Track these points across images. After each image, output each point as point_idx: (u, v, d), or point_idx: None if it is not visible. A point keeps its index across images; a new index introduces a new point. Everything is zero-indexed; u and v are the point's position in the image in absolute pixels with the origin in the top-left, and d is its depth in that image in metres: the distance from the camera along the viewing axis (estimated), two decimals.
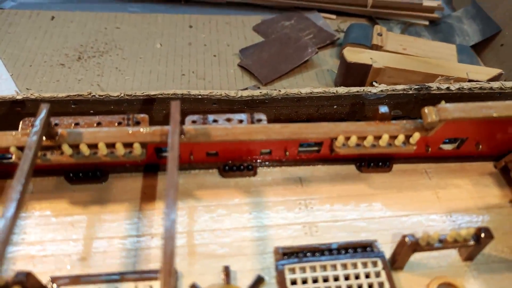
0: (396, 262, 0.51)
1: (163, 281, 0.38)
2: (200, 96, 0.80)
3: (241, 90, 1.25)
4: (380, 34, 1.27)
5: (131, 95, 0.80)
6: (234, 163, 0.61)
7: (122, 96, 0.79)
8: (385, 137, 0.56)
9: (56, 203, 0.58)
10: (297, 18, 1.48)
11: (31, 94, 0.79)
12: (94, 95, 0.79)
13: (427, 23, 1.47)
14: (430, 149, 0.61)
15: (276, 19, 1.50)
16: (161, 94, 0.80)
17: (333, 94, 0.82)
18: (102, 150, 0.53)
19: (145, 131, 0.55)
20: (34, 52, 1.35)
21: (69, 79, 1.28)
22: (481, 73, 1.16)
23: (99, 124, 0.58)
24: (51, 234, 0.55)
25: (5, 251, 0.40)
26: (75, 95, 0.79)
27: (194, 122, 0.59)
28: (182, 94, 0.81)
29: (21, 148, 0.53)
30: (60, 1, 1.55)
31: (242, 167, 0.61)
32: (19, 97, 0.79)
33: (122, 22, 1.49)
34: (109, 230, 0.55)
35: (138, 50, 1.39)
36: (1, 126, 0.83)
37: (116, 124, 0.58)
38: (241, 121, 0.60)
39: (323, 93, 0.82)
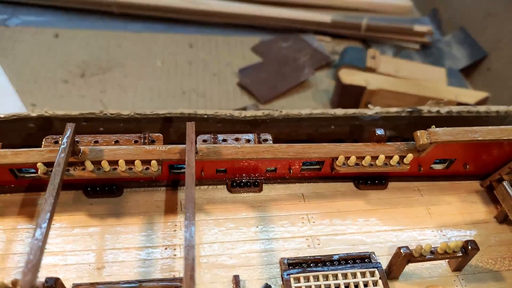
0: (392, 272, 0.56)
1: (186, 285, 0.42)
2: (206, 116, 0.85)
3: (241, 108, 1.31)
4: (373, 57, 1.34)
5: (140, 114, 0.84)
6: (241, 179, 0.66)
7: (132, 115, 0.84)
8: (382, 158, 0.61)
9: (75, 216, 0.61)
10: (294, 40, 1.55)
11: (46, 112, 0.83)
12: (106, 113, 0.83)
13: (418, 47, 1.55)
14: (422, 169, 0.67)
15: (274, 40, 1.56)
16: (169, 113, 0.85)
17: (331, 116, 0.87)
18: (122, 166, 0.58)
19: (162, 149, 0.59)
20: (38, 68, 1.40)
21: (73, 95, 1.32)
22: (469, 96, 1.23)
23: (116, 142, 0.62)
24: (71, 244, 0.58)
25: (41, 256, 0.44)
26: (87, 113, 0.83)
27: (205, 141, 0.64)
28: (189, 113, 0.85)
29: (46, 164, 0.57)
30: (63, 19, 1.60)
31: (248, 183, 0.66)
32: (33, 114, 0.83)
33: (123, 40, 1.54)
34: (125, 241, 0.59)
35: (139, 67, 1.44)
36: (14, 141, 0.87)
37: (133, 142, 0.63)
38: (248, 141, 0.65)
39: (322, 114, 0.88)
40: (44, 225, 0.45)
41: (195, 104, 1.34)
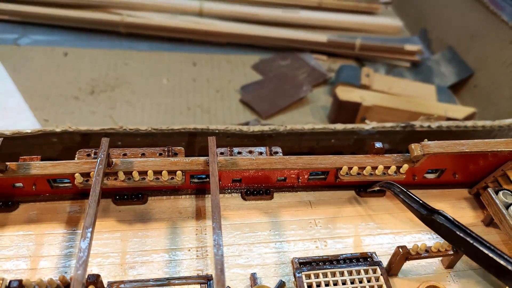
0: (391, 269, 0.63)
1: (217, 279, 0.49)
2: (217, 131, 0.93)
3: (244, 123, 1.38)
4: (367, 75, 1.43)
5: (157, 129, 0.92)
6: (255, 188, 0.73)
7: (149, 130, 0.91)
8: (380, 168, 0.69)
9: (106, 221, 0.68)
10: (292, 58, 1.63)
11: (69, 127, 0.90)
12: (125, 129, 0.90)
13: (408, 65, 1.64)
14: (416, 178, 0.74)
15: (273, 58, 1.65)
16: (184, 128, 0.92)
17: (332, 130, 0.95)
18: (150, 176, 0.65)
19: (185, 161, 0.66)
20: (49, 85, 1.46)
21: (83, 112, 1.39)
22: (457, 112, 1.32)
23: (143, 154, 0.69)
24: (103, 247, 0.65)
25: (89, 256, 0.50)
26: (108, 128, 0.90)
27: (222, 153, 0.71)
28: (202, 128, 0.93)
29: (82, 174, 0.64)
30: (72, 38, 1.67)
31: (261, 191, 0.73)
32: (58, 129, 0.89)
33: (130, 59, 1.61)
34: (152, 244, 0.66)
35: (146, 85, 1.52)
36: (38, 154, 0.93)
37: (158, 154, 0.70)
38: (261, 153, 0.72)
39: (323, 129, 0.96)
40: (90, 227, 0.52)
41: (200, 119, 1.42)
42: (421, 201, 0.63)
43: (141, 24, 1.66)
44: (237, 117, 1.43)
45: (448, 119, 1.30)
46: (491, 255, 0.54)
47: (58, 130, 0.90)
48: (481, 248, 0.55)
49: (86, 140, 0.93)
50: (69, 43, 1.65)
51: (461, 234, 0.57)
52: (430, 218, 0.60)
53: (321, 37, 1.67)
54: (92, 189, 0.57)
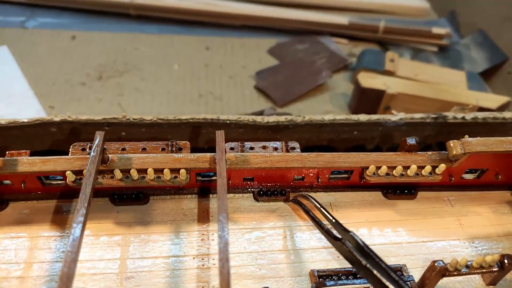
0: (425, 286, 0.55)
1: None
2: (228, 121, 0.84)
3: (258, 112, 1.30)
4: (392, 60, 1.32)
5: (163, 119, 0.84)
6: (268, 188, 0.65)
7: (155, 120, 0.83)
8: (413, 168, 0.60)
9: (102, 223, 0.61)
10: (310, 42, 1.54)
11: (69, 116, 0.83)
12: (129, 119, 0.83)
13: (436, 49, 1.53)
14: (453, 179, 0.65)
15: (290, 42, 1.55)
16: (192, 119, 0.84)
17: (354, 121, 0.86)
18: (150, 175, 0.57)
19: (190, 157, 0.59)
20: (56, 71, 1.40)
21: (90, 98, 1.32)
22: (490, 101, 1.21)
23: (144, 149, 0.62)
24: (98, 253, 0.58)
25: (75, 268, 0.43)
26: (110, 118, 0.83)
27: (232, 149, 0.63)
28: (212, 119, 0.85)
29: (74, 172, 0.57)
30: (80, 21, 1.61)
31: (275, 192, 0.65)
32: (57, 119, 0.82)
33: (140, 43, 1.54)
34: (152, 250, 0.59)
35: (156, 71, 1.44)
36: (37, 145, 0.87)
37: (160, 149, 0.62)
38: (276, 149, 0.64)
39: (345, 120, 0.87)
40: (77, 236, 0.45)
41: (212, 107, 1.34)
42: (334, 221, 0.57)
43: (152, 5, 1.58)
44: (251, 105, 1.35)
45: (480, 109, 1.19)
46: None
47: (57, 119, 0.83)
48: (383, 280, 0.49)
49: (88, 130, 0.86)
50: (77, 26, 1.58)
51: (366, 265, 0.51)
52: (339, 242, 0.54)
53: (342, 19, 1.57)
54: (82, 192, 0.50)
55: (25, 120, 0.81)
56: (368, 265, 0.50)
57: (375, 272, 0.49)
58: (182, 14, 1.58)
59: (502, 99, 1.24)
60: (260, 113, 1.28)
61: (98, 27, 1.58)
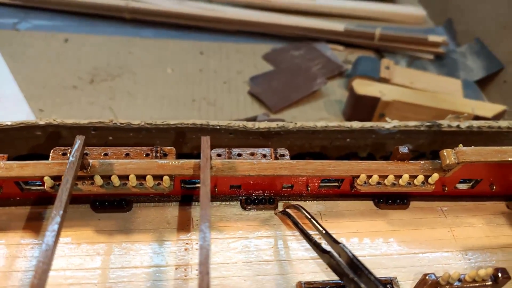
0: None
1: None
2: (218, 127, 0.82)
3: (252, 117, 1.28)
4: (388, 67, 1.31)
5: (151, 124, 0.82)
6: (256, 196, 0.63)
7: (142, 125, 0.81)
8: (405, 177, 0.58)
9: (82, 231, 0.59)
10: (306, 48, 1.52)
11: (54, 120, 0.81)
12: (116, 123, 0.81)
13: (432, 57, 1.52)
14: (447, 189, 0.63)
15: (285, 48, 1.54)
16: (181, 124, 0.82)
17: (347, 128, 0.85)
18: (132, 182, 0.55)
19: (175, 164, 0.56)
20: (48, 74, 1.38)
21: (82, 102, 1.30)
22: (486, 109, 1.20)
23: (127, 155, 0.60)
24: (77, 261, 0.56)
25: (46, 280, 0.41)
26: (96, 122, 0.81)
27: (219, 155, 0.61)
28: (201, 124, 0.83)
29: (53, 178, 0.55)
30: (74, 24, 1.59)
31: (263, 200, 0.63)
32: (41, 122, 0.80)
33: (134, 47, 1.52)
34: (133, 260, 0.57)
35: (149, 75, 1.42)
36: (21, 150, 0.85)
37: (144, 155, 0.60)
38: (264, 156, 0.62)
39: (337, 127, 0.85)
40: (51, 245, 0.43)
41: (205, 113, 1.32)
42: (325, 232, 0.55)
43: (147, 9, 1.57)
44: (244, 110, 1.33)
45: (476, 117, 1.18)
46: None
47: (41, 122, 0.80)
48: None
49: (74, 134, 0.84)
50: (70, 28, 1.57)
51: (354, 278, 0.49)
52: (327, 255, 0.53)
53: (338, 26, 1.56)
54: (58, 199, 0.47)
55: (9, 123, 0.79)
56: (355, 279, 0.47)
57: (362, 286, 0.47)
58: (177, 18, 1.57)
59: (498, 108, 1.22)
60: (253, 119, 1.26)
61: (92, 30, 1.56)
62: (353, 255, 0.50)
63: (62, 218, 0.46)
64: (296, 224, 0.58)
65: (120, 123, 0.81)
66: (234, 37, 1.59)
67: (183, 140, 0.86)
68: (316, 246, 0.54)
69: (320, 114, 1.34)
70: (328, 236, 0.54)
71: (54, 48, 1.47)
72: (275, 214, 0.63)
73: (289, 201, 0.63)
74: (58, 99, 1.30)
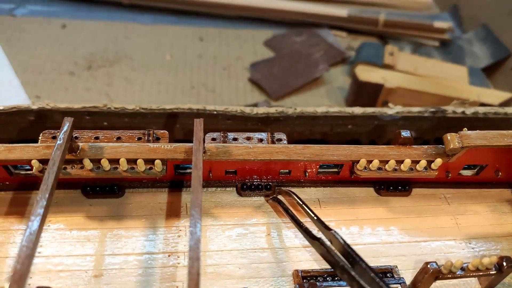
0: None
1: None
2: (215, 112, 0.80)
3: (252, 104, 1.25)
4: (391, 54, 1.28)
5: (146, 108, 0.80)
6: (253, 182, 0.61)
7: (137, 110, 0.79)
8: (407, 162, 0.56)
9: (72, 217, 0.57)
10: (308, 34, 1.49)
11: (47, 104, 0.79)
12: (110, 107, 0.79)
13: (437, 44, 1.48)
14: (450, 175, 0.61)
15: (287, 34, 1.51)
16: (177, 109, 0.80)
17: (349, 114, 0.82)
18: (123, 166, 0.53)
19: (167, 147, 0.54)
20: (44, 59, 1.36)
21: (78, 88, 1.28)
22: (492, 97, 1.17)
23: (119, 138, 0.58)
24: (67, 248, 0.54)
25: (30, 265, 0.39)
26: (90, 107, 0.79)
27: (214, 139, 0.59)
28: (198, 109, 0.80)
29: (41, 161, 0.53)
30: (72, 9, 1.56)
31: (260, 186, 0.61)
32: (34, 107, 0.78)
33: (132, 32, 1.49)
34: (125, 246, 0.55)
35: (147, 61, 1.40)
36: (14, 135, 0.83)
37: (136, 139, 0.58)
38: (261, 140, 0.59)
39: (339, 113, 0.82)
40: (35, 230, 0.41)
41: (204, 100, 1.30)
42: (316, 218, 0.54)
43: None
44: (244, 97, 1.31)
45: (482, 105, 1.15)
46: None
47: (34, 107, 0.78)
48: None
49: None
50: (67, 14, 1.54)
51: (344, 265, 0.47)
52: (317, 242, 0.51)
53: (341, 11, 1.52)
54: (44, 182, 0.45)
55: (1, 107, 0.77)
56: (345, 266, 0.45)
57: (352, 273, 0.45)
58: (176, 3, 1.54)
59: (504, 95, 1.19)
60: (254, 106, 1.24)
61: (89, 15, 1.54)
62: (345, 242, 0.48)
63: (48, 202, 0.44)
64: (286, 211, 0.56)
65: (115, 108, 0.79)
66: (234, 22, 1.56)
67: (180, 125, 0.83)
68: (306, 232, 0.52)
69: (322, 101, 1.31)
70: (319, 222, 0.52)
71: (51, 34, 1.45)
72: (267, 201, 0.60)
73: (281, 188, 0.61)
74: (55, 85, 1.28)
